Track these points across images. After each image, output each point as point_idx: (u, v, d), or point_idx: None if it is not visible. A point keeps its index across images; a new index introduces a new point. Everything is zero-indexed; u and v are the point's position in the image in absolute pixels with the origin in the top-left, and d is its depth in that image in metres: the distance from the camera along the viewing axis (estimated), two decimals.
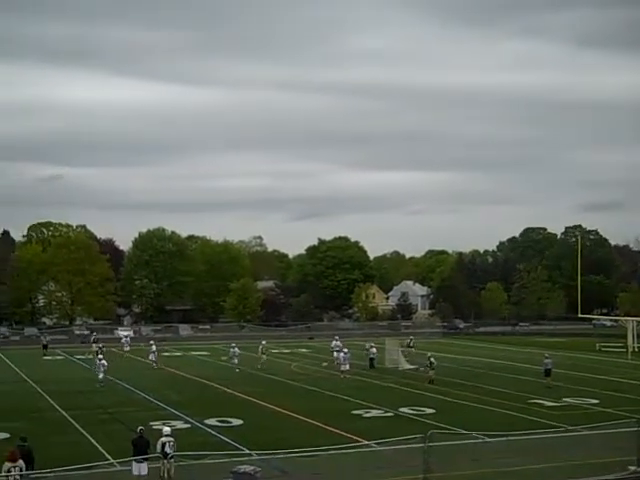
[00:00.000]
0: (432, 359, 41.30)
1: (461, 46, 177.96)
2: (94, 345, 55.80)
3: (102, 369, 40.15)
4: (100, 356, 41.88)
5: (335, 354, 49.47)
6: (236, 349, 49.14)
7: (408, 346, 54.52)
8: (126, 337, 60.83)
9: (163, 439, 19.31)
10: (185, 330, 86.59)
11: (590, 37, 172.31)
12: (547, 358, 41.24)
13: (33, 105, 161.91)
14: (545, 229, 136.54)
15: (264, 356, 49.19)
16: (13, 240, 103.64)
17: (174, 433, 20.52)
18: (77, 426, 28.11)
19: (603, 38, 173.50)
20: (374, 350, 49.21)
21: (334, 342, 52.21)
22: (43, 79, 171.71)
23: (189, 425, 28.38)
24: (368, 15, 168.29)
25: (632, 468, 21.14)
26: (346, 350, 45.64)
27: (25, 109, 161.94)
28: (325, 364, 49.37)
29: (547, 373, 40.47)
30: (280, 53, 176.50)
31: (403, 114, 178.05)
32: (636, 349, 61.47)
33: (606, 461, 21.43)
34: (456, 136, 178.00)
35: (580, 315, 70.35)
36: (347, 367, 43.86)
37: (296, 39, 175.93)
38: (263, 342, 51.22)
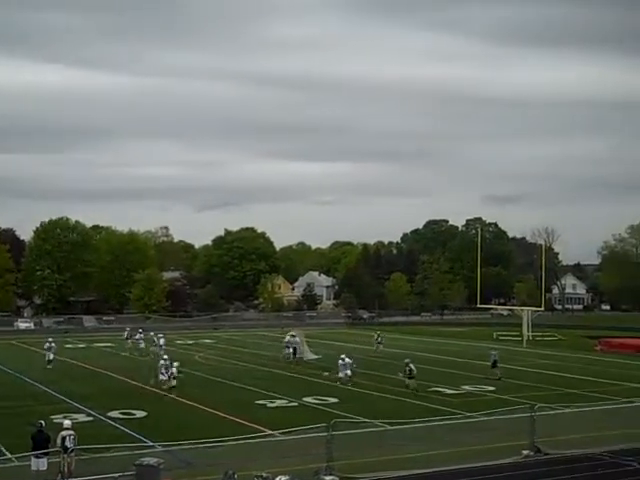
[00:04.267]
0: (411, 365, 34.83)
1: (376, 38, 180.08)
2: (129, 342, 53.04)
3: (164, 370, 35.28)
4: (165, 356, 37.44)
5: (288, 350, 47.49)
6: (162, 339, 48.39)
7: (377, 342, 52.69)
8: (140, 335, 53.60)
9: (63, 433, 18.98)
10: (89, 321, 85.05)
11: (499, 33, 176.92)
12: (493, 350, 41.62)
13: None
14: (447, 221, 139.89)
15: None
16: None
17: (76, 426, 20.22)
18: None
19: (511, 34, 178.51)
20: (297, 340, 48.30)
21: (288, 337, 48.83)
22: None
23: (92, 418, 27.99)
24: (288, 4, 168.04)
25: (525, 452, 22.04)
26: (343, 356, 38.22)
27: None
28: (326, 374, 40.40)
29: (494, 365, 40.17)
30: (196, 41, 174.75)
31: (314, 105, 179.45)
32: (531, 337, 63.73)
33: (501, 446, 22.24)
34: (365, 128, 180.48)
35: (479, 305, 72.54)
36: (343, 374, 37.23)
37: (212, 27, 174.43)
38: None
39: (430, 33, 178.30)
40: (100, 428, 26.05)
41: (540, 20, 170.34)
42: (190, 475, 18.45)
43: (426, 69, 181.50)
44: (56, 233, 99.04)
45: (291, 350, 47.29)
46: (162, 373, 34.97)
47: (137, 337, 52.00)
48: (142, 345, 51.06)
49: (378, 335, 53.54)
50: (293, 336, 48.88)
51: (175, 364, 35.30)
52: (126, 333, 55.17)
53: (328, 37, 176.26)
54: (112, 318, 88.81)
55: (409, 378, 34.50)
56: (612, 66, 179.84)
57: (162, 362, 35.98)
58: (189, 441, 19.41)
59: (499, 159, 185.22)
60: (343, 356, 38.17)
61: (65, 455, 18.43)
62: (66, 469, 18.22)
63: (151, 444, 21.74)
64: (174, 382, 34.23)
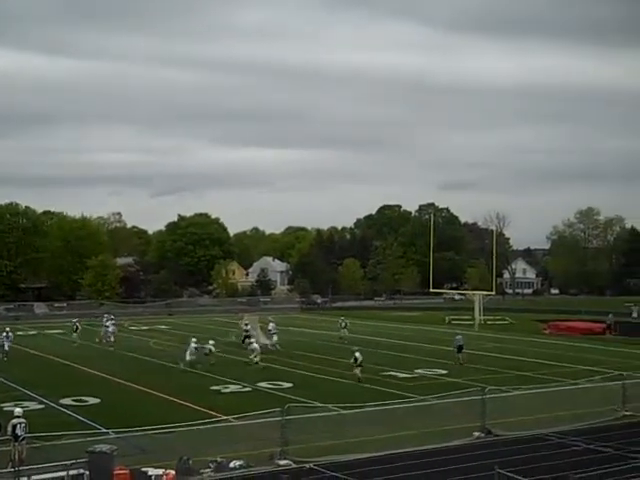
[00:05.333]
0: (357, 354, 33.91)
1: (335, 26, 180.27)
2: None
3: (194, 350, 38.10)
4: (194, 339, 39.07)
5: (275, 337, 46.67)
6: (111, 326, 47.95)
7: (342, 327, 51.80)
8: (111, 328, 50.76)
9: (14, 421, 18.80)
10: (40, 308, 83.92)
11: (454, 22, 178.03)
12: (458, 335, 41.54)
13: None
14: (400, 207, 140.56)
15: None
16: None
17: (27, 414, 20.06)
18: None
19: (467, 23, 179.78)
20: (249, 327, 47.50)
21: (271, 324, 48.40)
22: None
23: (43, 406, 27.73)
24: None
25: (476, 434, 22.49)
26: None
27: None
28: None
29: (459, 350, 39.94)
30: (151, 26, 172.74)
31: (269, 91, 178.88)
32: (482, 321, 64.63)
33: (453, 428, 22.60)
34: (320, 114, 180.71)
35: (431, 290, 73.28)
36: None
37: (167, 12, 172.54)
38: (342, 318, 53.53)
39: (386, 21, 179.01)
40: (52, 416, 25.80)
41: (496, 9, 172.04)
42: (144, 462, 18.41)
43: (381, 57, 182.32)
44: (6, 219, 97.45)
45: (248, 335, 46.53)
46: (190, 353, 37.47)
47: (107, 323, 51.31)
48: (110, 330, 49.93)
49: (342, 320, 52.99)
50: (247, 324, 48.27)
51: (210, 342, 39.43)
52: (104, 319, 54.14)
53: (283, 24, 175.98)
54: (64, 305, 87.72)
55: (356, 367, 33.78)
56: (565, 56, 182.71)
57: (193, 345, 38.02)
58: (143, 427, 19.37)
59: (452, 146, 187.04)
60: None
61: (16, 443, 18.28)
62: (17, 457, 18.08)
63: (104, 431, 21.63)
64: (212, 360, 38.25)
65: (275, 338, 46.59)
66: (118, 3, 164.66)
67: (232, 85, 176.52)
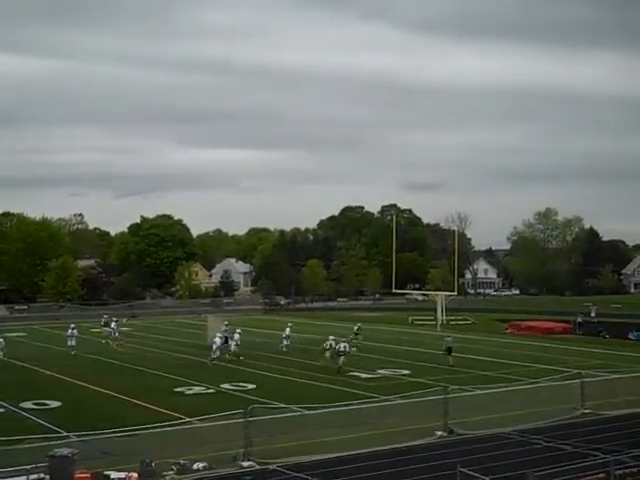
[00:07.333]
0: (329, 344, 37.41)
1: (302, 27, 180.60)
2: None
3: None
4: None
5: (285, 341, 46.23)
6: (75, 330, 46.76)
7: (355, 334, 48.65)
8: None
9: None
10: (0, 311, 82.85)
11: (422, 23, 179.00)
12: (448, 337, 41.48)
13: None
14: (363, 208, 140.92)
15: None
16: None
17: None
18: None
19: (434, 24, 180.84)
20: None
21: (287, 329, 47.42)
22: None
23: (3, 410, 27.34)
24: None
25: (439, 433, 22.66)
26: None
27: None
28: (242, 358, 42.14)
29: (449, 352, 39.74)
30: (118, 26, 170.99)
31: (233, 92, 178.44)
32: (444, 322, 65.07)
33: (416, 427, 22.73)
34: (283, 115, 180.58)
35: (394, 290, 73.62)
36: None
37: (135, 12, 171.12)
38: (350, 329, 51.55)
39: (353, 22, 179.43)
40: (12, 420, 25.48)
41: (464, 10, 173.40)
42: (106, 465, 18.26)
43: (348, 57, 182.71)
44: None
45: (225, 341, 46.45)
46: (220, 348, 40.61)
47: (112, 325, 50.81)
48: (116, 334, 50.25)
49: (358, 327, 50.89)
50: (227, 325, 47.96)
51: (238, 330, 43.28)
52: (103, 320, 54.25)
53: (251, 24, 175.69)
54: (24, 307, 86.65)
55: (338, 355, 37.48)
56: (530, 57, 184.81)
57: (237, 335, 42.38)
58: (106, 430, 19.23)
59: (415, 147, 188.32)
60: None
61: None
62: None
63: (66, 434, 21.39)
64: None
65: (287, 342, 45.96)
66: (86, 2, 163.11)
67: (193, 86, 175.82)
